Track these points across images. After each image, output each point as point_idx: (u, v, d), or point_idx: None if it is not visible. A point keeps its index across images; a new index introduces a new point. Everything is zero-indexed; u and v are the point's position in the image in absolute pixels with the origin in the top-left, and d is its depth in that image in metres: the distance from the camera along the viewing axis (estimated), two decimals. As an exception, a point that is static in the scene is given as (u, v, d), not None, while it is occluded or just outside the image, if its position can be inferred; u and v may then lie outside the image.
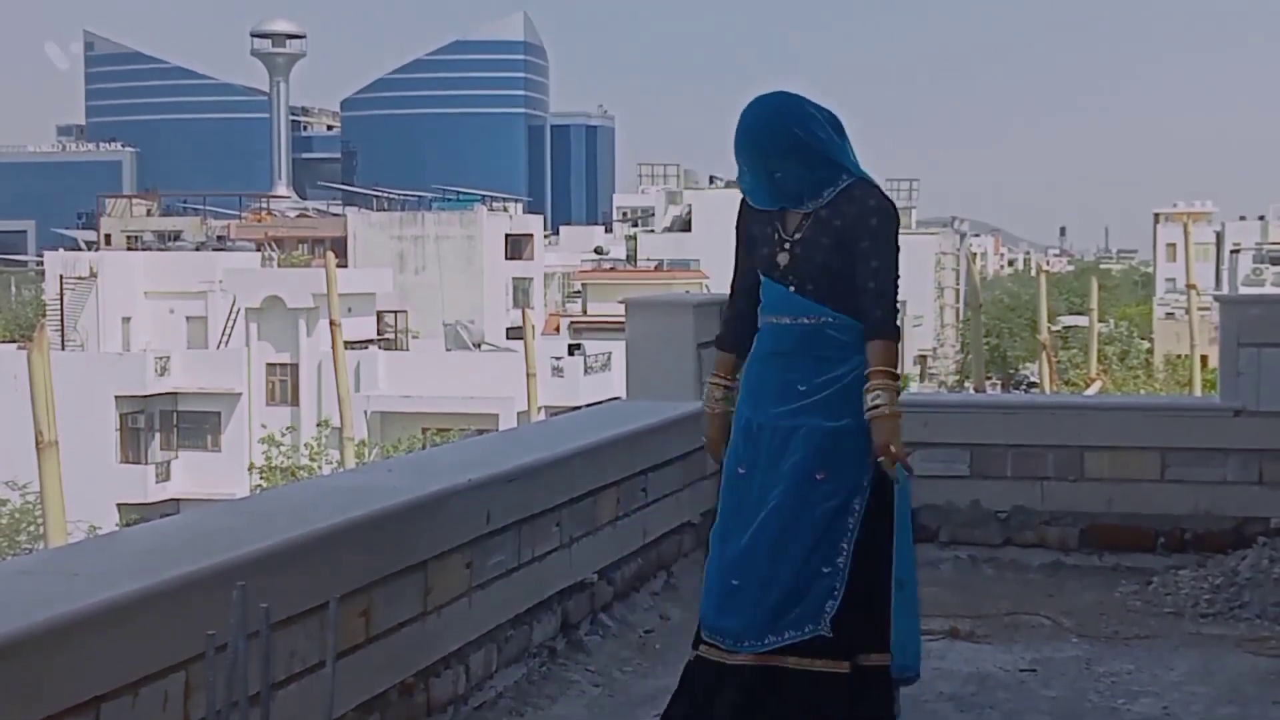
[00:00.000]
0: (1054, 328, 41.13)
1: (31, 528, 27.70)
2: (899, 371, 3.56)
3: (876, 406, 3.43)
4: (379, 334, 42.06)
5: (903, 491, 3.49)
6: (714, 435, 3.74)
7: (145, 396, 36.29)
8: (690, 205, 69.11)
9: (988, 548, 5.76)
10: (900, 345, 3.60)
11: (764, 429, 3.56)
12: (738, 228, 3.77)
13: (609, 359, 35.28)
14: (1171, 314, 52.12)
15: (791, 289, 3.59)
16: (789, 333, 3.59)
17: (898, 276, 3.58)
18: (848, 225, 3.55)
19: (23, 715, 2.44)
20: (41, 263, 50.24)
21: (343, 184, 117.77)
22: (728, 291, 3.86)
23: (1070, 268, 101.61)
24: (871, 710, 3.51)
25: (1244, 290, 34.58)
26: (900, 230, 3.64)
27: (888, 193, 3.67)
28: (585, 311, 53.65)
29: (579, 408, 6.81)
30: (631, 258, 65.50)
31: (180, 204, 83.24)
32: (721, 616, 3.51)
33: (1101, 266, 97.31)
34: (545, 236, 61.53)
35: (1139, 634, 4.76)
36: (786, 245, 3.62)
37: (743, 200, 3.76)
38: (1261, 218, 66.75)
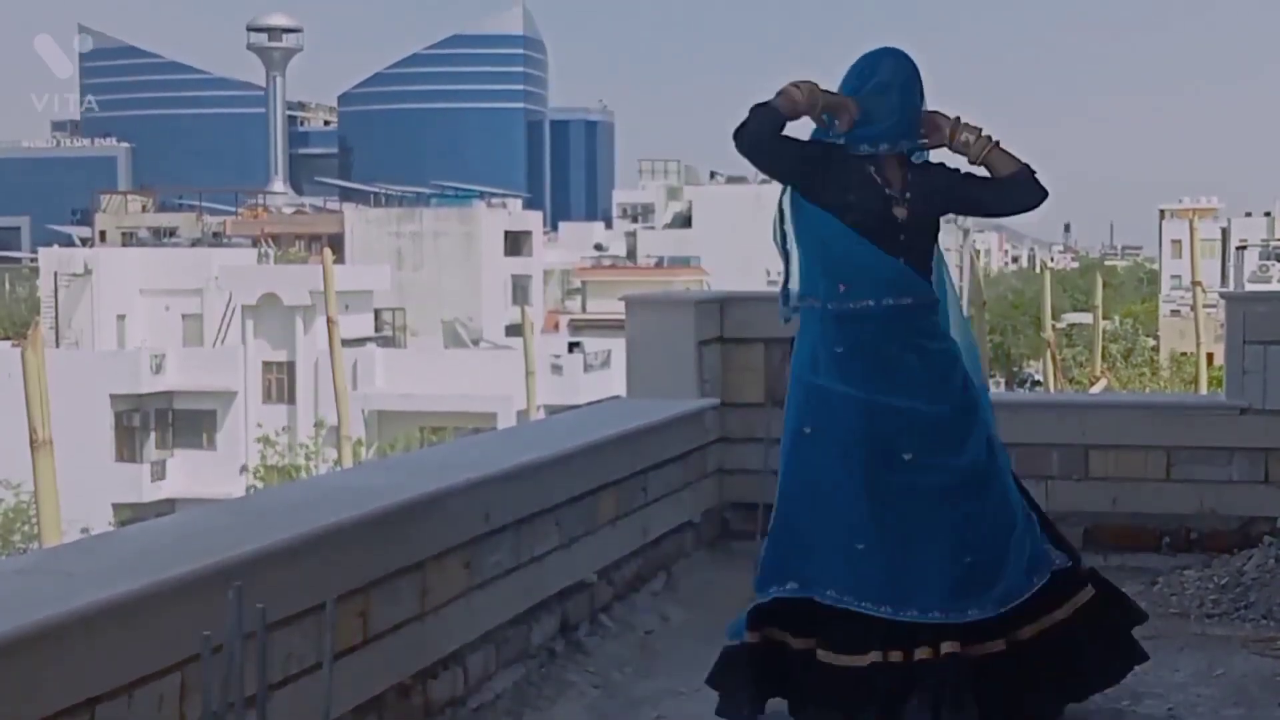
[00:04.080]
0: (1058, 325, 41.09)
1: (26, 527, 27.67)
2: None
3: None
4: (376, 331, 42.03)
5: None
6: None
7: (140, 395, 36.24)
8: (691, 201, 69.09)
9: (990, 547, 5.71)
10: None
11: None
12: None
13: (609, 357, 35.24)
14: (1177, 311, 52.00)
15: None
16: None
17: None
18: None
19: (17, 716, 2.41)
20: (36, 259, 50.19)
21: (340, 180, 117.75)
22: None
23: (1075, 264, 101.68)
24: None
25: (1250, 287, 34.56)
26: None
27: None
28: (585, 309, 53.67)
29: (578, 406, 6.77)
30: (632, 254, 65.51)
31: (176, 200, 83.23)
32: None
33: (1106, 263, 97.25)
34: (544, 233, 61.51)
35: (1143, 634, 4.70)
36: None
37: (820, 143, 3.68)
38: (1268, 214, 66.50)
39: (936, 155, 3.80)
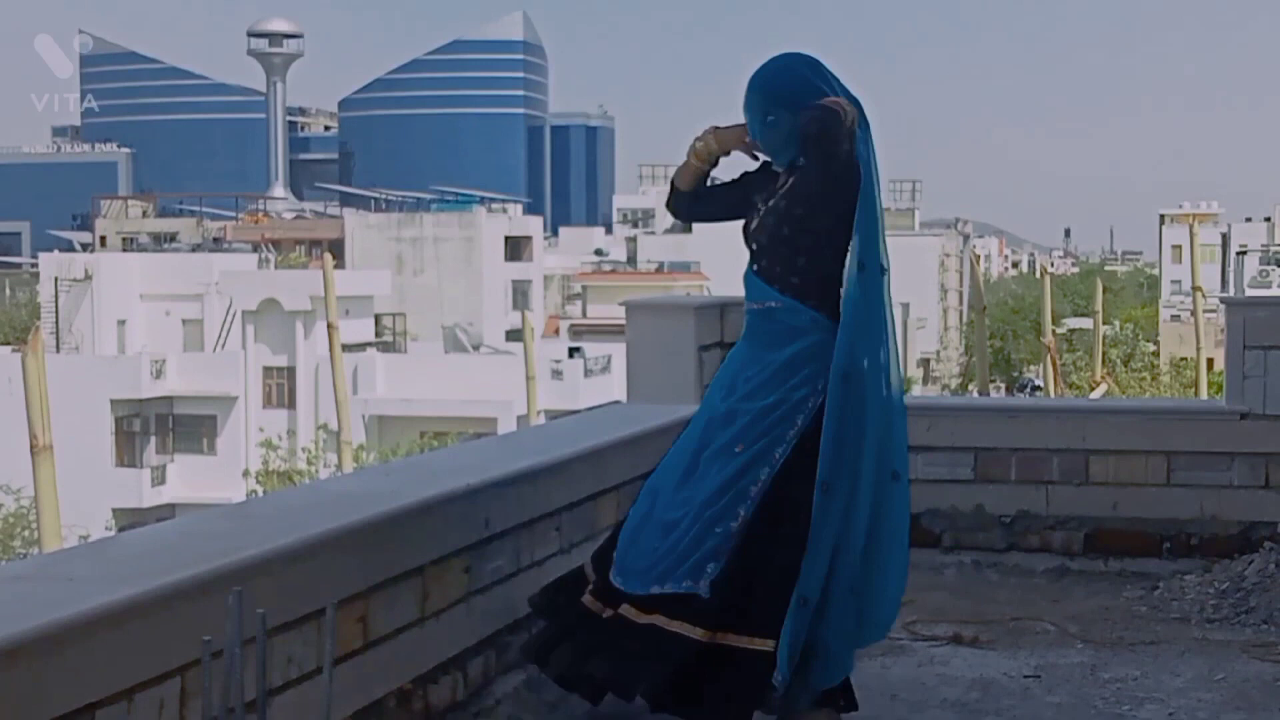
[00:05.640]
0: (1058, 330, 41.10)
1: (26, 532, 27.69)
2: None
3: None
4: (377, 336, 42.04)
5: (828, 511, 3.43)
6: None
7: (141, 400, 36.24)
8: (690, 207, 69.06)
9: (991, 552, 5.72)
10: None
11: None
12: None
13: (609, 362, 35.30)
14: (1177, 316, 52.11)
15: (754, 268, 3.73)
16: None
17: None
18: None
19: (17, 722, 2.41)
20: (36, 264, 50.24)
21: (340, 185, 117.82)
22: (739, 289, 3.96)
23: (1075, 269, 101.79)
24: (721, 691, 3.42)
25: (1250, 292, 34.57)
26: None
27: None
28: (585, 314, 53.73)
29: (579, 411, 6.77)
30: (632, 259, 65.56)
31: (176, 205, 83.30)
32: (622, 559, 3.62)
33: (1106, 268, 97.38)
34: (545, 238, 61.57)
35: (1144, 640, 4.73)
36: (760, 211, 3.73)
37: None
38: (1268, 219, 66.62)
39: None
